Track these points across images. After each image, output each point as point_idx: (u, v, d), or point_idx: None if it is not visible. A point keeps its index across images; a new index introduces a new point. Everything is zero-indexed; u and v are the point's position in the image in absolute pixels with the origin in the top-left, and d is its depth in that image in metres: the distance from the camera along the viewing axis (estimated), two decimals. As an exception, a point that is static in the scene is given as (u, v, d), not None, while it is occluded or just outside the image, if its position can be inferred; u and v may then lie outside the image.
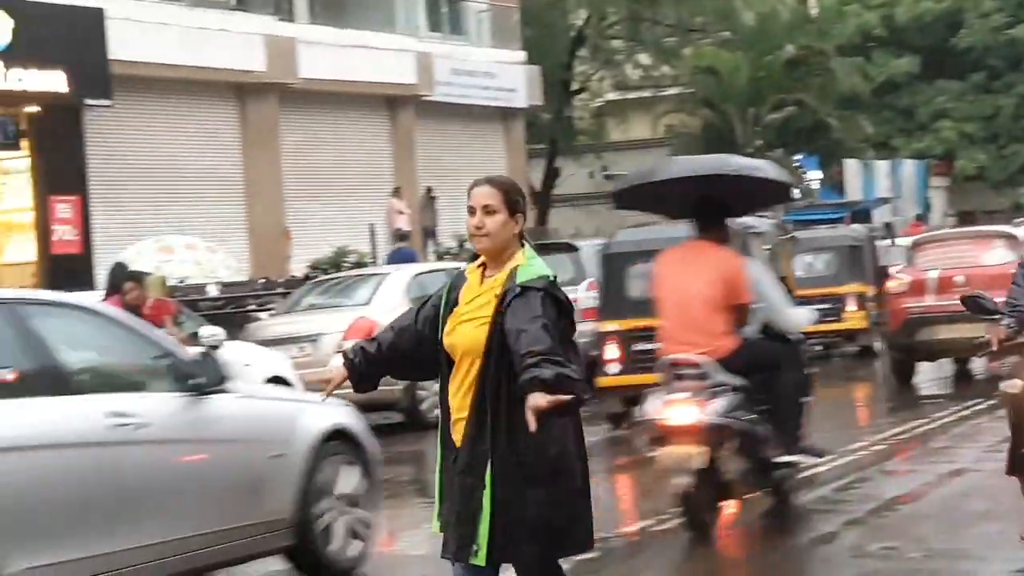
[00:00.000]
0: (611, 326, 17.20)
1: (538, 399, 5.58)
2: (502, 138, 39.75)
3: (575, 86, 47.70)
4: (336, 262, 31.36)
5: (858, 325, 24.96)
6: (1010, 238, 20.18)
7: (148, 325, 9.94)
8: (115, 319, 9.21)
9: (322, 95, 33.43)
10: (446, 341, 6.12)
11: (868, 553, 9.65)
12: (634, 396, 16.23)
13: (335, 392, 6.62)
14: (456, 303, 6.16)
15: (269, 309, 23.52)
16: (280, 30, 32.11)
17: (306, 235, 32.54)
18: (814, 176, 44.30)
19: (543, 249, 25.06)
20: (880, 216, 43.26)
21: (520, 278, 5.97)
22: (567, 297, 6.06)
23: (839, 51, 47.17)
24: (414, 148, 36.39)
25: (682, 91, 46.15)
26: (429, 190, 36.08)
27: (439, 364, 6.19)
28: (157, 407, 8.76)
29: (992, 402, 17.72)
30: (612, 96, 51.22)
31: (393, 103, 35.83)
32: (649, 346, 14.91)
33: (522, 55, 39.80)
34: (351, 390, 6.57)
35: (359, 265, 30.68)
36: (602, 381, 16.86)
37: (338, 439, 9.93)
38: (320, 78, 32.89)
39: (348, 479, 9.94)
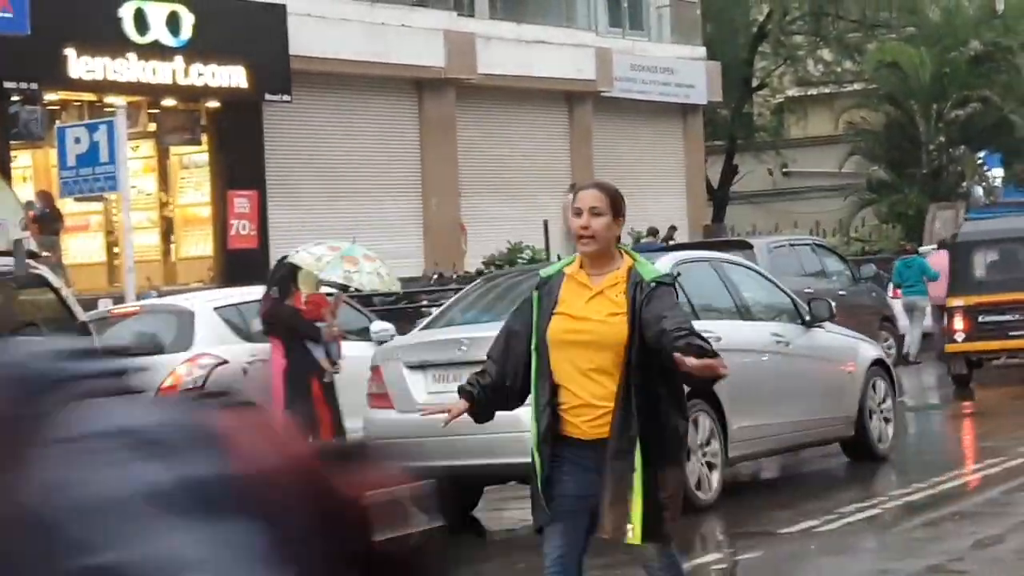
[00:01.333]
0: (958, 301, 20.80)
1: (694, 362, 6.03)
2: (680, 134, 39.60)
3: (755, 82, 47.35)
4: (511, 259, 31.47)
5: None
6: None
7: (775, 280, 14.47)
8: (762, 274, 14.41)
9: (500, 90, 33.61)
10: (568, 339, 6.47)
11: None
12: (978, 360, 20.97)
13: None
14: (556, 304, 6.52)
15: (440, 305, 23.61)
16: (460, 25, 32.35)
17: (481, 231, 32.71)
18: (997, 174, 43.44)
19: (716, 246, 25.30)
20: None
21: (646, 276, 6.48)
22: None
23: (1025, 47, 46.22)
24: (591, 144, 36.38)
25: (864, 87, 45.54)
26: (605, 186, 35.98)
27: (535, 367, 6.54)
28: (792, 332, 13.45)
29: None
30: (792, 92, 50.74)
31: (571, 99, 35.88)
32: (992, 318, 20.26)
33: (702, 51, 39.62)
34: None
35: (533, 261, 30.75)
36: (949, 348, 20.66)
37: (877, 365, 14.45)
38: (498, 73, 33.05)
39: (883, 393, 14.38)
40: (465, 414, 6.72)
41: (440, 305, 23.55)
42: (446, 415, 6.76)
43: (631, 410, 6.35)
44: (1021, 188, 43.32)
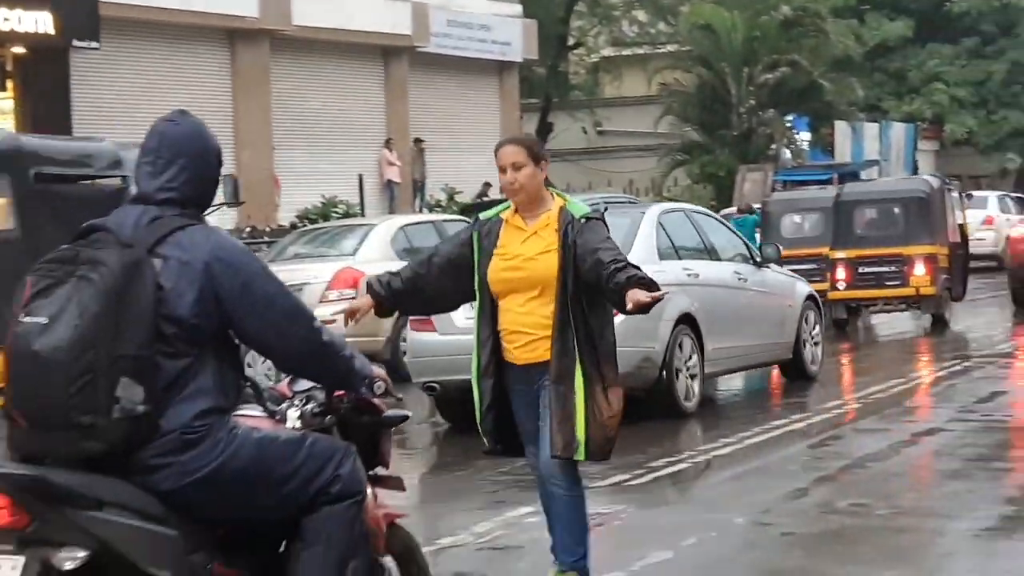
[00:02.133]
0: (840, 254, 23.03)
1: (639, 294, 6.61)
2: (496, 91, 39.63)
3: (571, 41, 47.53)
4: (325, 212, 31.30)
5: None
6: None
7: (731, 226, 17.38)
8: (721, 222, 16.74)
9: (315, 43, 33.32)
10: (502, 276, 7.14)
11: (836, 509, 9.65)
12: (856, 306, 23.63)
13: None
14: (495, 247, 7.18)
15: (254, 256, 23.42)
16: (273, -24, 31.93)
17: (295, 184, 32.44)
18: (804, 137, 44.26)
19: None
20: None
21: (576, 213, 7.09)
22: None
23: (834, 13, 47.04)
24: (407, 99, 36.25)
25: (678, 49, 45.99)
26: (418, 141, 35.95)
27: (476, 299, 7.23)
28: (748, 270, 15.81)
29: (968, 364, 17.93)
30: (608, 52, 51.09)
31: (387, 53, 35.70)
32: (870, 270, 22.76)
33: (518, 8, 39.64)
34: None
35: (348, 215, 30.63)
36: (832, 295, 22.65)
37: (810, 299, 16.87)
38: (314, 26, 32.75)
39: (813, 323, 16.76)
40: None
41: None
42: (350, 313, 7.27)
43: (568, 336, 6.98)
44: (827, 151, 44.25)
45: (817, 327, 17.00)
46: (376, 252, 18.92)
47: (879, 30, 52.55)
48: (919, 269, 22.56)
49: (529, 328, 7.11)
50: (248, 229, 28.28)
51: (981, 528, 8.86)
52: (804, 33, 42.24)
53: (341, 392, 5.25)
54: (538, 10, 41.03)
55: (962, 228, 24.71)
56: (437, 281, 7.28)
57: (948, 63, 53.07)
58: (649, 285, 6.64)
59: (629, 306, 6.63)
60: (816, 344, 16.95)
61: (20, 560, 4.54)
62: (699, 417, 14.10)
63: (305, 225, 27.80)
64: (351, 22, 33.78)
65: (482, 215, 7.42)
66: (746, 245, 16.51)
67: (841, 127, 44.37)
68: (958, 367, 17.65)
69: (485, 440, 7.36)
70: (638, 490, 10.54)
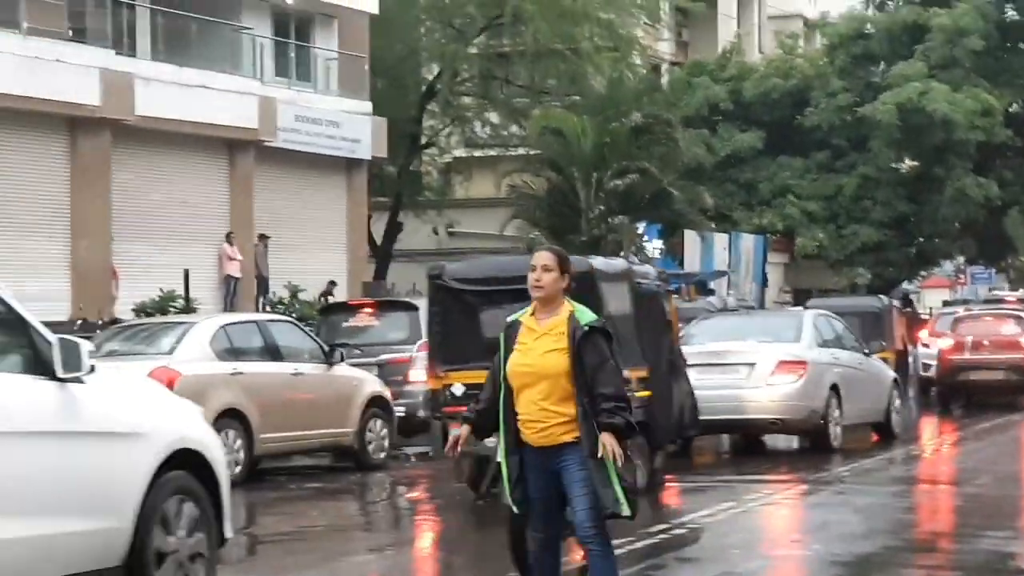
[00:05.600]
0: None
1: (610, 440, 8.20)
2: (344, 189, 39.27)
3: (423, 140, 47.35)
4: (162, 306, 30.59)
5: None
6: (1018, 318, 32.40)
7: None
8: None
9: (159, 134, 32.69)
10: (516, 371, 8.44)
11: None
12: None
13: None
14: (515, 343, 8.48)
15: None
16: (118, 64, 31.30)
17: (134, 277, 31.70)
18: (655, 245, 44.25)
19: (382, 307, 24.92)
20: (718, 288, 43.38)
21: (583, 320, 8.41)
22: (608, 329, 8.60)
23: (686, 122, 47.34)
24: (252, 194, 35.68)
25: (528, 152, 45.90)
26: (263, 237, 35.38)
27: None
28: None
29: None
30: (460, 153, 50.93)
31: (232, 146, 35.15)
32: None
33: (368, 105, 39.34)
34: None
35: (187, 311, 29.96)
36: None
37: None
38: (157, 116, 32.14)
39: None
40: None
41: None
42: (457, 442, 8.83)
43: (590, 420, 8.27)
44: (676, 260, 44.28)
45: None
46: (195, 351, 18.28)
47: (730, 140, 52.99)
48: None
49: (543, 418, 8.36)
50: (80, 321, 27.48)
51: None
52: (655, 141, 42.25)
53: None
54: (389, 108, 40.72)
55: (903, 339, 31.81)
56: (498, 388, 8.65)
57: (799, 176, 53.51)
58: (619, 431, 8.23)
59: (599, 453, 8.16)
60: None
61: None
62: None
63: (142, 319, 27.09)
64: (196, 114, 33.21)
65: (509, 318, 8.72)
66: None
67: (691, 236, 44.48)
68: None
69: (514, 508, 8.57)
70: None
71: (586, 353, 8.29)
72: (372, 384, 21.16)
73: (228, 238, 34.23)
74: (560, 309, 8.46)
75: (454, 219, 48.55)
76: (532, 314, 8.53)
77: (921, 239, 55.48)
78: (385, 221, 44.82)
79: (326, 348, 20.59)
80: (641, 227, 43.36)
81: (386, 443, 21.18)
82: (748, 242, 48.06)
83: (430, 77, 45.77)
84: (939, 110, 49.46)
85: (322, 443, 20.65)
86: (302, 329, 21.41)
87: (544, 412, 8.32)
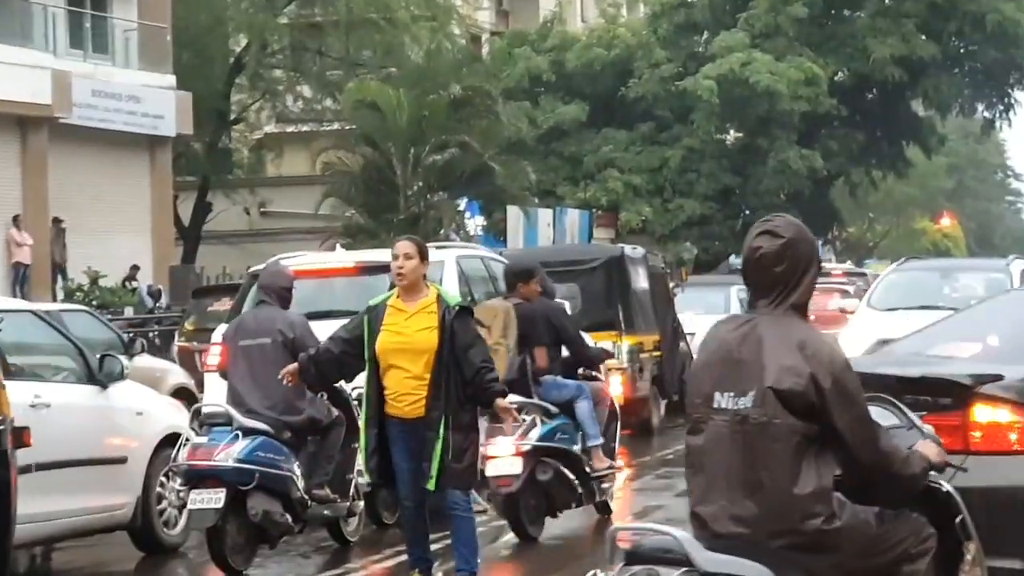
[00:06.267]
0: None
1: (504, 403, 9.63)
2: (147, 168, 37.39)
3: (232, 116, 45.32)
4: (-56, 296, 28.38)
5: None
6: (844, 292, 33.81)
7: None
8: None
9: (-59, 111, 30.43)
10: (389, 346, 9.41)
11: None
12: None
13: None
14: (382, 325, 9.44)
15: None
16: None
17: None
18: (477, 222, 42.79)
19: (199, 295, 23.22)
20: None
21: (451, 302, 9.53)
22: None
23: (507, 94, 45.83)
24: (47, 174, 33.55)
25: (343, 127, 44.12)
26: (58, 220, 33.18)
27: (365, 367, 9.56)
28: None
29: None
30: (271, 129, 48.98)
31: (24, 124, 33.17)
32: None
33: (172, 79, 37.45)
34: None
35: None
36: None
37: None
38: (-61, 92, 29.91)
39: None
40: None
41: None
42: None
43: (440, 395, 9.32)
44: (499, 238, 42.83)
45: None
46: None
47: (553, 113, 51.61)
48: None
49: (413, 389, 9.38)
50: None
51: None
52: (475, 114, 40.66)
53: None
54: (195, 82, 38.74)
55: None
56: (346, 348, 9.66)
57: (623, 149, 52.31)
58: (504, 395, 9.65)
59: (504, 414, 9.83)
60: None
61: None
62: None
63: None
64: (-17, 89, 31.00)
65: (370, 302, 9.66)
66: None
67: (514, 212, 43.01)
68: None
69: (368, 476, 9.69)
70: None
71: (459, 331, 9.32)
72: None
73: (15, 222, 32.01)
74: (426, 291, 9.47)
75: (267, 198, 46.68)
76: (398, 297, 9.51)
77: (747, 212, 54.55)
78: (193, 202, 42.86)
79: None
80: (462, 204, 41.93)
81: None
82: (573, 217, 46.87)
83: (238, 49, 44.11)
84: (761, 82, 48.55)
85: None
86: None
87: (415, 384, 9.32)
